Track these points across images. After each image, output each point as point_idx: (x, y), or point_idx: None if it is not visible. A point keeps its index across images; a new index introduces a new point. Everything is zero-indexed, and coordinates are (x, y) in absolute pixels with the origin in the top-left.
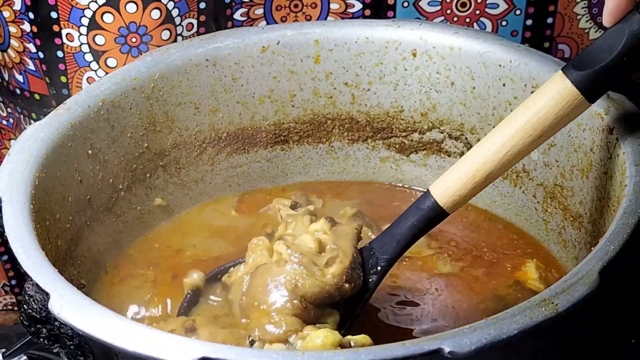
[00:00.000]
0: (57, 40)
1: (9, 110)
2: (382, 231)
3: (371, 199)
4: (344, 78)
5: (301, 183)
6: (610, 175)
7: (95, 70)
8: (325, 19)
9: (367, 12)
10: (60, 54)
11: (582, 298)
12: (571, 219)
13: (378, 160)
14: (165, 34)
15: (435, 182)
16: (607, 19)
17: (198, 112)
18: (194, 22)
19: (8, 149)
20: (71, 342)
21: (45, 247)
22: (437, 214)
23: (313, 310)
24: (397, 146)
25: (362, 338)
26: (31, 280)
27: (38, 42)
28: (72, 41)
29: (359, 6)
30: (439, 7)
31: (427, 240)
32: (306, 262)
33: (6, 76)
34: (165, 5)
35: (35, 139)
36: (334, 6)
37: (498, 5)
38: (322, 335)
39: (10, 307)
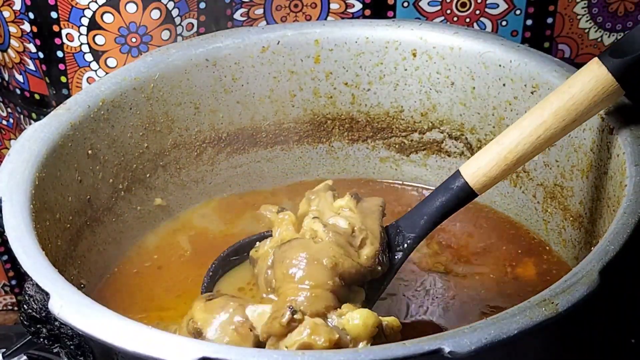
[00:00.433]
0: (57, 40)
1: (9, 110)
2: (410, 210)
3: None
4: (344, 78)
5: (301, 183)
6: (610, 175)
7: (95, 70)
8: (325, 19)
9: (367, 12)
10: (60, 54)
11: (582, 298)
12: (571, 219)
13: (378, 160)
14: (165, 34)
15: (466, 163)
16: None
17: (198, 112)
18: (194, 22)
19: (8, 149)
20: (71, 342)
21: (45, 247)
22: (467, 195)
23: (346, 288)
24: (397, 146)
25: (393, 320)
26: (31, 280)
27: (38, 42)
28: (72, 41)
29: (359, 6)
30: (439, 7)
31: (426, 239)
32: (343, 243)
33: (6, 76)
34: (165, 5)
35: (35, 139)
36: (334, 6)
37: (498, 5)
38: (362, 315)
39: (10, 307)
